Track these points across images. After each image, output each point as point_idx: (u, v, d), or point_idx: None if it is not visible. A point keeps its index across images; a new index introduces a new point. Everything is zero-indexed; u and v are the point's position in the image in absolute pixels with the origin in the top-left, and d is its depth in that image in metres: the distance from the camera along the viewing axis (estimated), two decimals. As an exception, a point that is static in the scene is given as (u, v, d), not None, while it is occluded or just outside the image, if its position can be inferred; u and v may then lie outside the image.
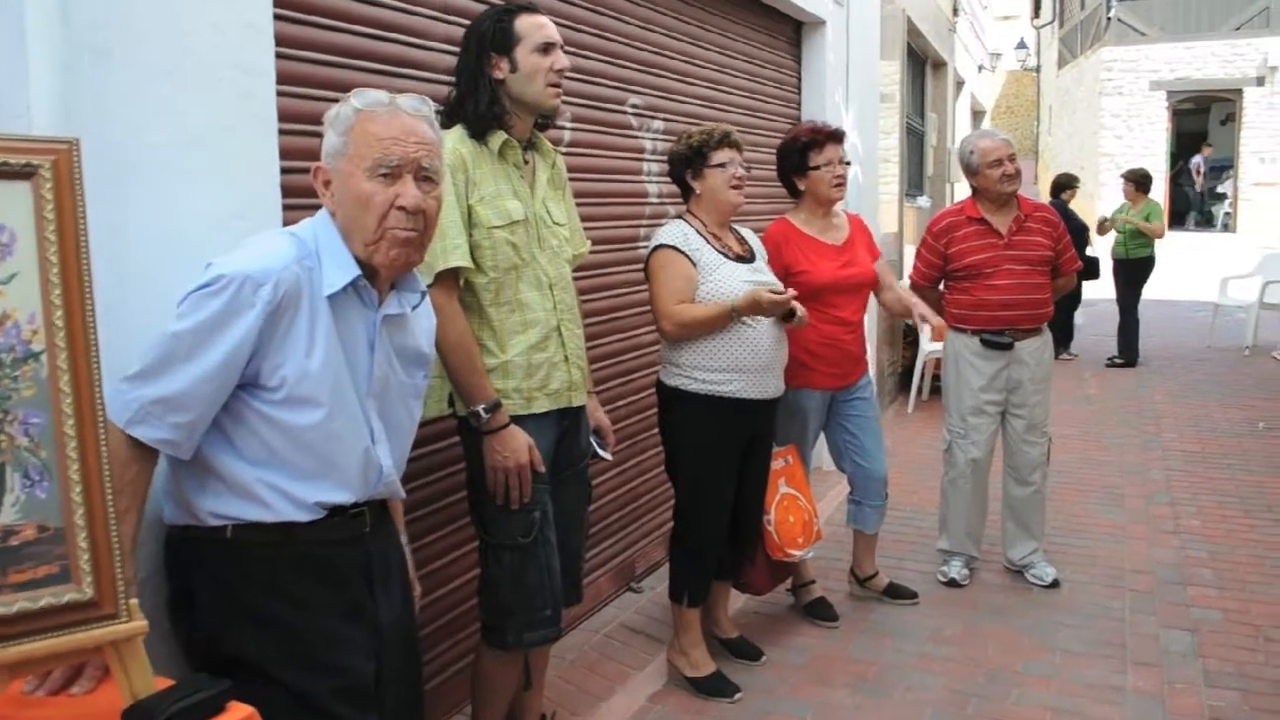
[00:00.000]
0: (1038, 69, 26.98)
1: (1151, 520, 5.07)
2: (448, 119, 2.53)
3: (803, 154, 3.69)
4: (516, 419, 2.49)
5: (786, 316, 3.26)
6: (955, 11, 10.82)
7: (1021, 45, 25.52)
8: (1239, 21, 19.41)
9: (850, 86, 6.14)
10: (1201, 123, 23.01)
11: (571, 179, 3.52)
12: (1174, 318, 11.78)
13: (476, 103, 2.49)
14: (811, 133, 3.71)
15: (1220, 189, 21.54)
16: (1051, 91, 25.96)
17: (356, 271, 1.77)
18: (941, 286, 4.29)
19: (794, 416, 3.72)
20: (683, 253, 3.19)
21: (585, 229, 3.60)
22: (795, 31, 5.68)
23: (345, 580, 1.84)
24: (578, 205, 3.53)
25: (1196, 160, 21.75)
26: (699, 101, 4.47)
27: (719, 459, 3.27)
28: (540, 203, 2.60)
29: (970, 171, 4.17)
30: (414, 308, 1.92)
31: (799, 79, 5.77)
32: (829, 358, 3.70)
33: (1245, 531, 4.88)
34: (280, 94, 2.19)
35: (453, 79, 2.56)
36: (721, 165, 3.22)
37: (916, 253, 4.33)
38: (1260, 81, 19.27)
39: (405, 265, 1.82)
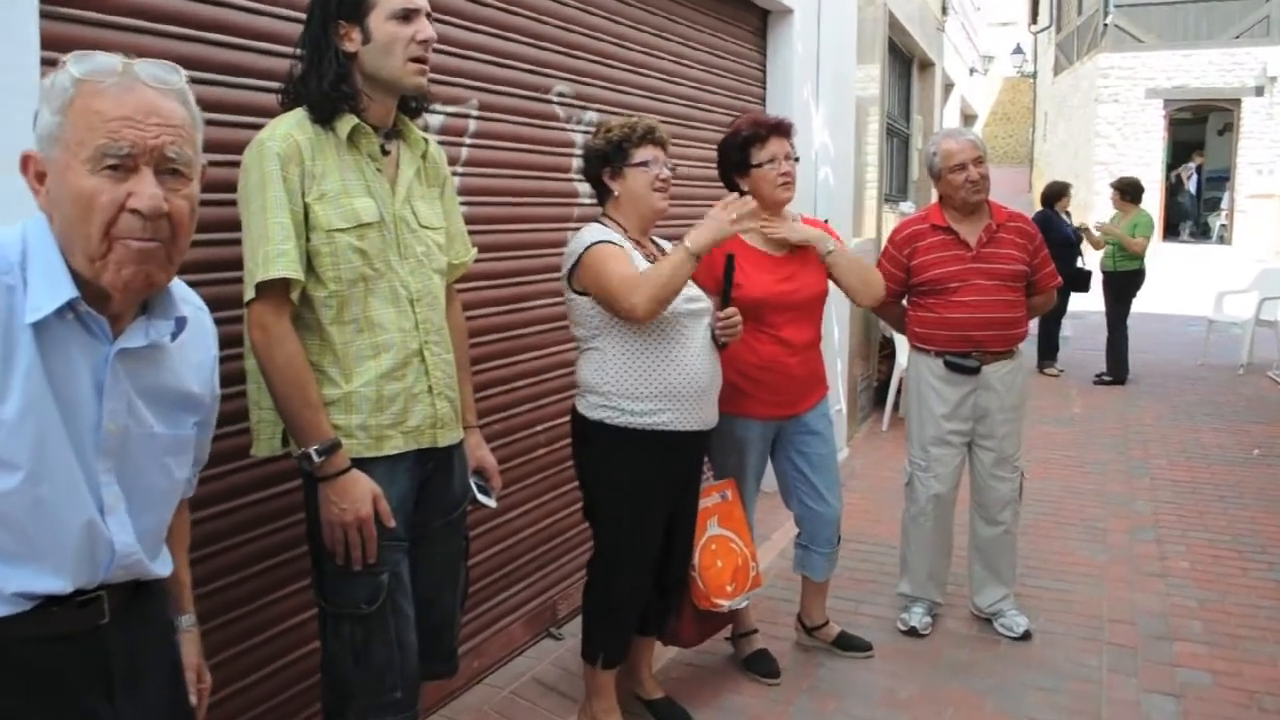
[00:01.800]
0: (1034, 75, 26.58)
1: (1135, 560, 4.65)
2: (290, 100, 2.11)
3: (743, 150, 3.25)
4: (362, 462, 2.06)
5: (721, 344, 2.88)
6: (944, 10, 10.39)
7: (1018, 50, 25.14)
8: (1238, 30, 19.00)
9: (821, 81, 5.72)
10: (1198, 132, 22.60)
11: (477, 175, 3.12)
12: (1167, 333, 11.37)
13: (320, 79, 2.06)
14: (753, 126, 3.27)
15: (1217, 199, 21.21)
16: (1047, 98, 25.55)
17: (71, 293, 1.33)
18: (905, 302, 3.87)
19: (730, 447, 3.29)
20: (620, 246, 2.76)
21: (496, 231, 3.20)
22: (761, 20, 5.25)
23: (67, 687, 1.41)
24: (483, 204, 3.13)
25: (1188, 168, 21.40)
26: (644, 93, 4.04)
27: (647, 503, 2.84)
28: (403, 202, 2.17)
29: (933, 175, 3.75)
30: (173, 337, 1.48)
31: (764, 72, 5.34)
32: (768, 383, 3.26)
33: (1237, 576, 4.46)
34: (48, 64, 1.75)
35: (295, 51, 2.13)
36: (644, 164, 2.79)
37: (877, 264, 3.90)
38: (1259, 91, 18.86)
39: (145, 286, 1.39)
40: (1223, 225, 20.62)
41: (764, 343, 3.21)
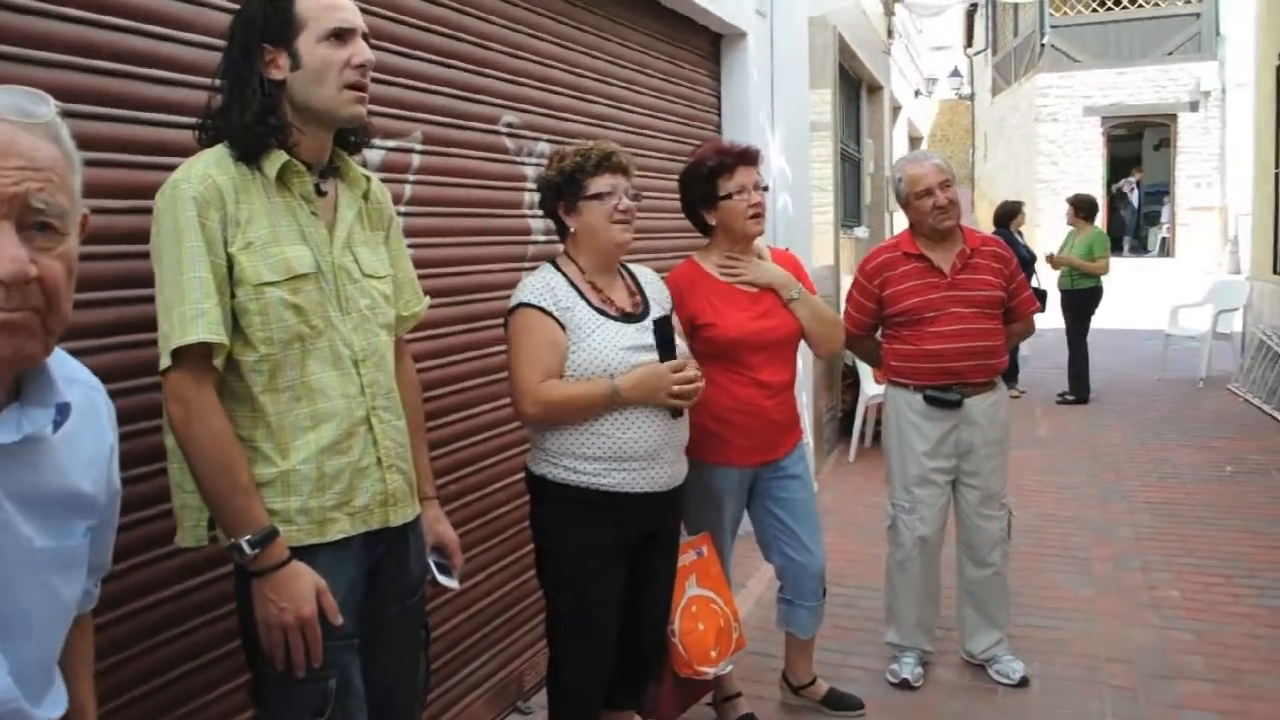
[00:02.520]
0: (971, 97, 26.89)
1: (1124, 591, 4.47)
2: (209, 136, 1.85)
3: (709, 181, 3.03)
4: (303, 550, 1.79)
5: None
6: (890, 34, 10.34)
7: (955, 73, 25.41)
8: (1171, 47, 19.37)
9: (776, 106, 5.55)
10: (1135, 148, 22.99)
11: (422, 214, 2.87)
12: (1121, 348, 11.35)
13: (243, 111, 1.80)
14: (718, 155, 3.05)
15: (1156, 213, 21.53)
16: (986, 119, 25.86)
17: None
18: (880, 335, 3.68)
19: (706, 499, 3.05)
20: (548, 313, 2.52)
21: (445, 275, 2.95)
22: (713, 45, 5.07)
23: None
24: (430, 246, 2.88)
25: (1129, 182, 21.72)
26: (596, 121, 3.82)
27: (596, 570, 2.57)
28: (343, 248, 1.91)
29: (901, 202, 3.58)
30: (55, 427, 1.20)
31: (719, 98, 5.16)
32: (745, 428, 3.03)
33: (1230, 603, 4.30)
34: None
35: (214, 82, 1.87)
36: (599, 196, 2.56)
37: (848, 296, 3.71)
38: (1194, 106, 19.20)
39: (14, 361, 1.12)
40: (1164, 238, 20.94)
41: (741, 385, 2.99)
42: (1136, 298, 13.92)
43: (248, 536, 1.72)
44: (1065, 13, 20.25)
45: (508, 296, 2.63)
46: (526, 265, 3.29)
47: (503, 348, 3.11)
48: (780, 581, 3.28)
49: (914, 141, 14.40)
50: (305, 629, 1.74)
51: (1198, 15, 19.00)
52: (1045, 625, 4.10)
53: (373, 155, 2.63)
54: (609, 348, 2.50)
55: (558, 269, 2.63)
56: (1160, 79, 19.47)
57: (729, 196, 3.01)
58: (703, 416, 2.82)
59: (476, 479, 3.11)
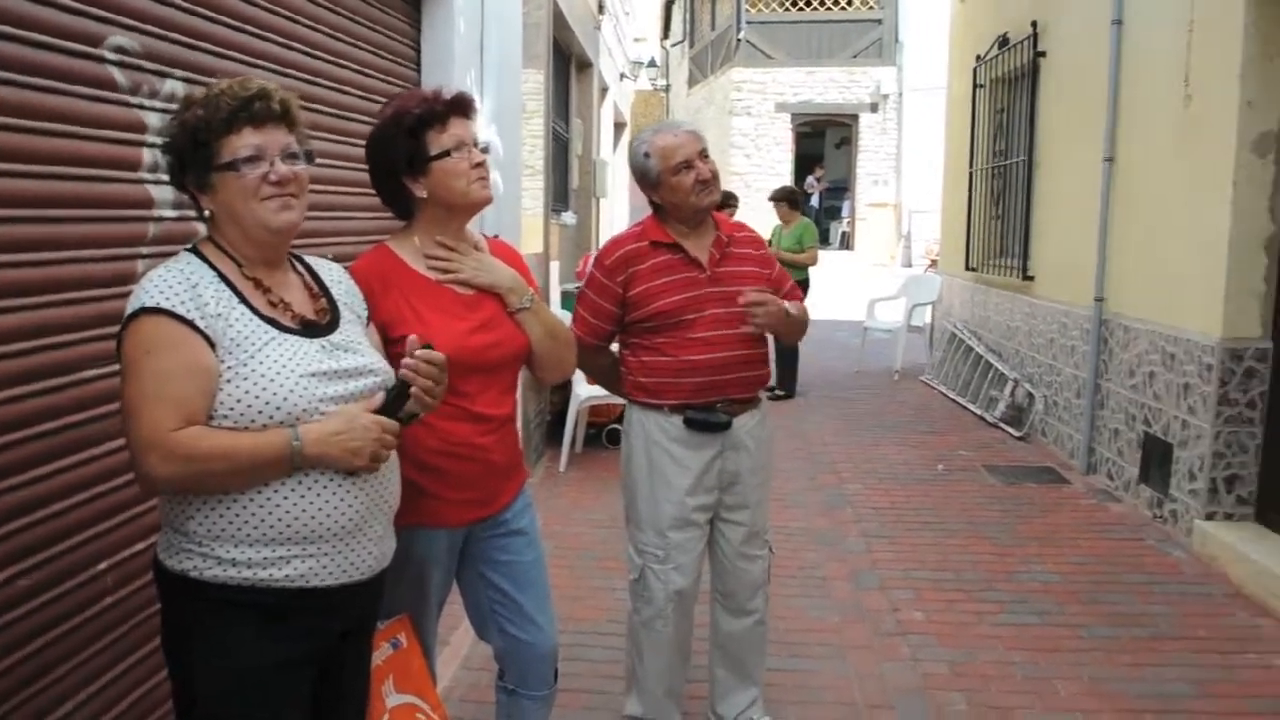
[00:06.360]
0: (667, 88, 27.23)
1: (868, 616, 4.11)
2: None
3: (416, 135, 2.22)
4: None
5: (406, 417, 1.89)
6: (601, 9, 9.79)
7: (652, 64, 25.57)
8: (855, 50, 20.35)
9: (486, 70, 4.79)
10: (819, 146, 24.13)
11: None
12: (816, 340, 11.49)
13: None
14: (425, 103, 2.25)
15: (837, 208, 22.69)
16: (681, 110, 26.24)
17: None
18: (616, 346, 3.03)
19: (406, 572, 2.24)
20: (188, 322, 1.67)
21: (9, 265, 1.98)
22: (412, -12, 4.23)
23: None
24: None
25: (809, 180, 22.76)
26: (253, 59, 2.89)
27: (264, 705, 1.75)
28: None
29: (649, 183, 2.90)
30: None
31: (418, 50, 4.32)
32: (459, 476, 2.26)
33: (975, 623, 4.03)
34: None
35: None
36: (237, 165, 1.73)
37: (579, 299, 3.02)
38: (874, 108, 20.31)
39: None
40: (844, 232, 22.08)
41: (452, 420, 2.21)
42: (822, 290, 14.31)
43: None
44: (760, 9, 20.76)
45: (117, 296, 1.73)
46: (145, 251, 2.34)
47: (107, 371, 2.16)
48: (500, 666, 2.53)
49: (619, 128, 14.03)
50: None
51: (880, 22, 20.07)
52: (795, 668, 3.64)
53: None
54: (285, 375, 1.72)
55: (203, 259, 1.77)
56: (844, 80, 20.44)
57: (445, 154, 2.22)
58: (403, 465, 2.03)
59: (74, 556, 2.13)
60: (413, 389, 1.83)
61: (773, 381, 8.61)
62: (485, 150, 2.33)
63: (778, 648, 3.73)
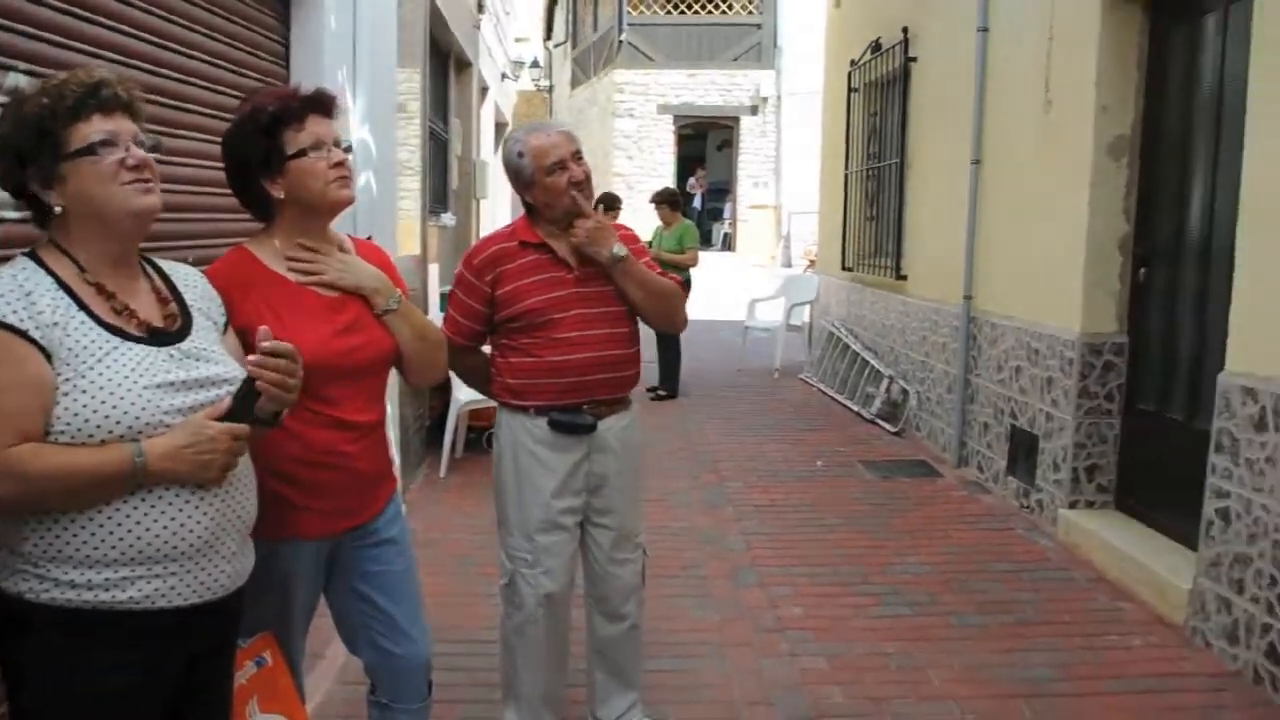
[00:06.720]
0: (550, 89, 27.15)
1: (748, 613, 4.13)
2: None
3: (271, 134, 2.13)
4: None
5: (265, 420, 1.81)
6: (480, 8, 9.66)
7: (535, 64, 25.49)
8: (735, 53, 20.63)
9: (359, 67, 4.65)
10: (700, 148, 24.38)
11: None
12: (698, 340, 11.60)
13: None
14: (281, 100, 2.16)
15: (719, 209, 22.97)
16: (565, 111, 26.20)
17: None
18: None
19: (267, 587, 2.13)
20: (20, 332, 1.56)
21: None
22: (279, -21, 4.07)
23: None
24: None
25: (691, 181, 23.01)
26: (96, 49, 2.73)
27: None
28: None
29: (523, 182, 2.85)
30: None
31: (287, 45, 4.17)
32: (324, 486, 2.17)
33: (851, 616, 4.09)
34: None
35: None
36: (91, 149, 1.63)
37: (449, 298, 2.95)
38: (754, 110, 20.61)
39: None
40: (726, 234, 22.37)
41: (316, 428, 2.12)
42: (704, 290, 14.44)
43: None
44: (641, 11, 20.86)
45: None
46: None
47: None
48: (371, 680, 2.44)
49: (500, 128, 13.91)
50: None
51: (759, 26, 20.38)
52: (676, 668, 3.62)
53: None
54: (127, 386, 1.62)
55: (40, 265, 1.65)
56: (725, 83, 20.71)
57: (301, 154, 2.12)
58: (264, 475, 1.94)
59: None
60: (258, 383, 1.74)
61: (655, 381, 8.76)
62: (348, 149, 2.24)
63: (659, 648, 3.72)
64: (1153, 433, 4.67)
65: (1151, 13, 4.72)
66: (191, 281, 1.92)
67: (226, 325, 1.95)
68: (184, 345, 1.76)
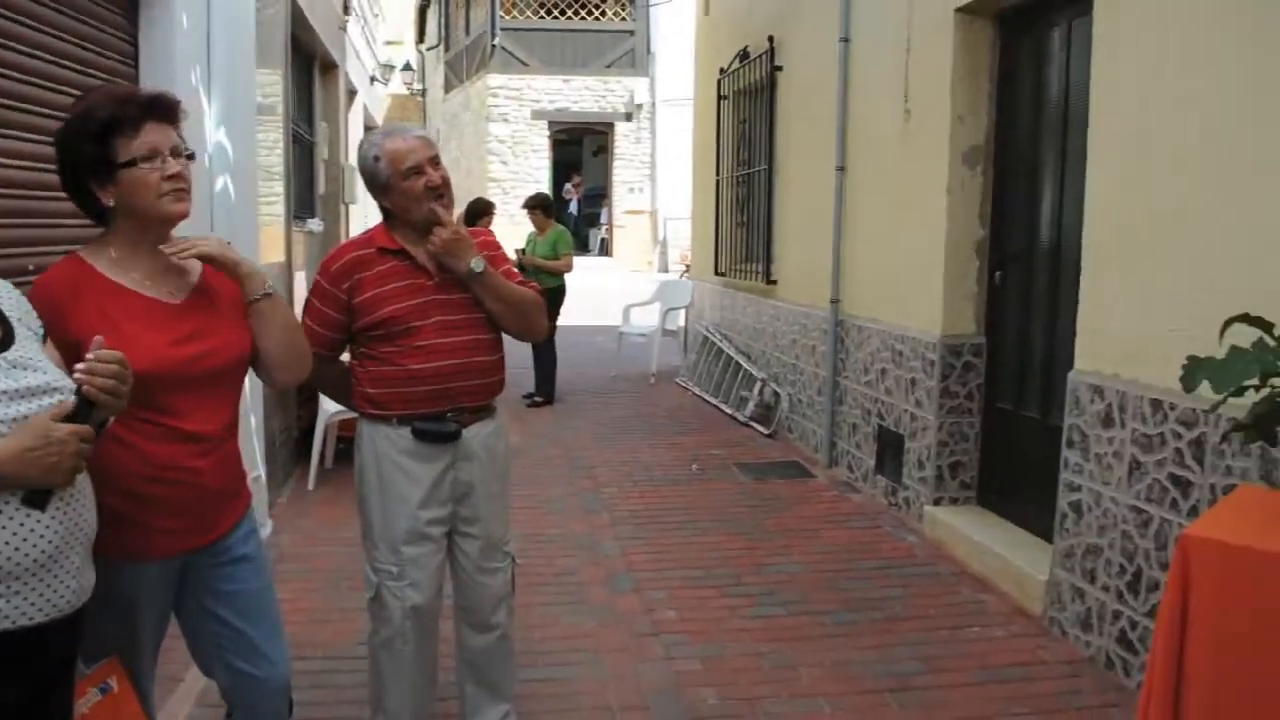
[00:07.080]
0: (423, 93, 26.77)
1: (624, 619, 4.12)
2: None
3: (103, 141, 2.02)
4: None
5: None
6: (346, 10, 9.45)
7: (407, 67, 25.09)
8: (609, 60, 20.69)
9: (214, 67, 4.48)
10: (576, 153, 24.39)
11: None
12: (574, 345, 11.59)
13: None
14: (115, 103, 2.05)
15: (595, 215, 23.03)
16: (438, 115, 25.88)
17: None
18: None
19: (111, 610, 2.02)
20: None
21: None
22: (124, -26, 3.88)
23: None
24: None
25: (566, 187, 23.02)
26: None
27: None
28: None
29: (379, 187, 2.78)
30: None
31: (135, 43, 3.98)
32: (169, 503, 2.07)
33: (726, 618, 4.12)
34: None
35: None
36: None
37: (306, 307, 2.86)
38: (629, 117, 20.72)
39: None
40: (603, 239, 22.42)
41: (158, 442, 2.02)
42: (581, 295, 14.45)
43: None
44: (515, 16, 20.74)
45: None
46: None
47: None
48: (228, 703, 2.35)
49: (369, 131, 13.61)
50: None
51: (632, 33, 20.50)
52: (551, 677, 3.59)
53: None
54: None
55: None
56: (600, 89, 20.77)
57: (132, 164, 2.02)
58: (106, 492, 1.84)
59: None
60: (85, 389, 1.66)
61: (530, 388, 8.70)
62: (190, 157, 2.15)
63: (534, 657, 3.69)
64: (1011, 430, 4.86)
65: (1001, 25, 4.91)
66: (5, 293, 1.81)
67: (45, 336, 1.85)
68: (9, 355, 1.67)
